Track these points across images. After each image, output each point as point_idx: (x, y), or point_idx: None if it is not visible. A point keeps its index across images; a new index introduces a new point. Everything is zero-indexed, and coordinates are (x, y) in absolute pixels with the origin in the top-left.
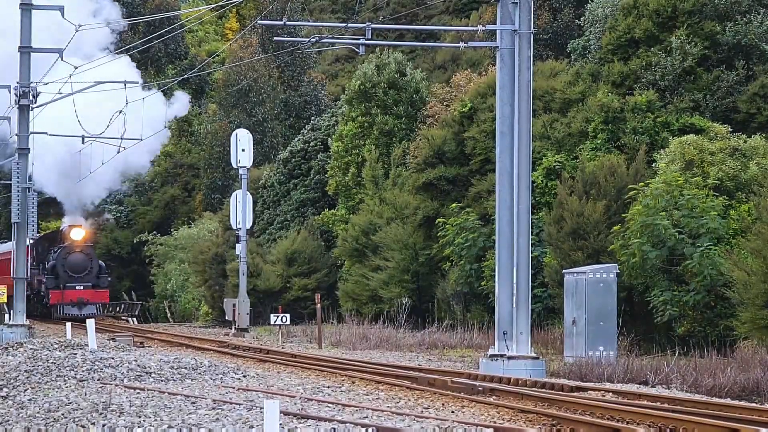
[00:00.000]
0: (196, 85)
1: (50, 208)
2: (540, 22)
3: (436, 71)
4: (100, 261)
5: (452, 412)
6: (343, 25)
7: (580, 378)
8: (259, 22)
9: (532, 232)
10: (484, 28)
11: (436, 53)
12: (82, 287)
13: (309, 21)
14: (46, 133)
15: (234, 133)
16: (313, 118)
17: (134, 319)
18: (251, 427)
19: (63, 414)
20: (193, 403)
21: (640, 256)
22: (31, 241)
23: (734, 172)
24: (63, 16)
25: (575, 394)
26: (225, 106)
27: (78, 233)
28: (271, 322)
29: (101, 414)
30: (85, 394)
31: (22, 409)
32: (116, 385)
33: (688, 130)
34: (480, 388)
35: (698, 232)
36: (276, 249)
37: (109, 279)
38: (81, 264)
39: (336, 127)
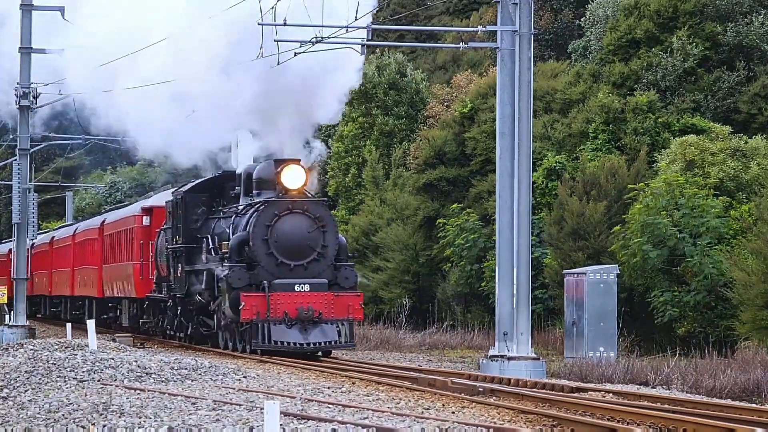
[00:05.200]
0: None
1: (50, 208)
2: (541, 22)
3: (436, 72)
4: (339, 234)
5: (452, 412)
6: (344, 26)
7: (581, 379)
8: (258, 23)
9: (532, 233)
10: (484, 28)
11: (437, 54)
12: (306, 287)
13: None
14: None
15: (234, 133)
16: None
17: None
18: (252, 428)
19: (63, 414)
20: (194, 403)
21: (640, 256)
22: (170, 197)
23: (735, 173)
24: (63, 17)
25: (575, 394)
26: None
27: (296, 175)
28: None
29: (101, 414)
30: (86, 395)
31: (23, 409)
32: (116, 386)
33: (689, 131)
34: (480, 389)
35: (699, 232)
36: None
37: (355, 272)
38: (304, 238)
39: (336, 128)
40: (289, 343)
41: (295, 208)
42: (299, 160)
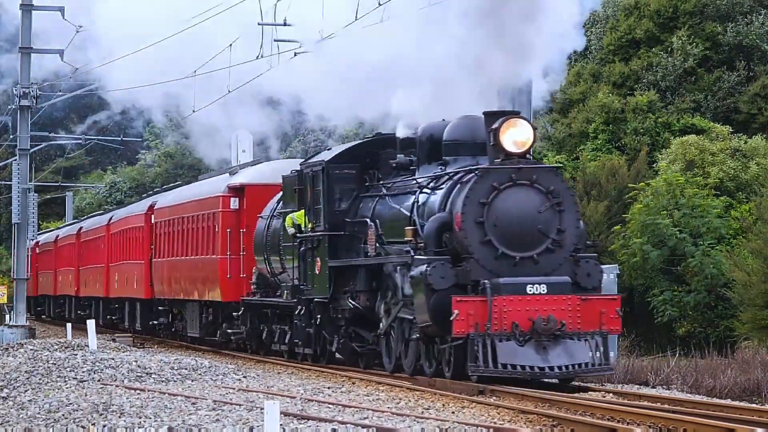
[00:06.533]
0: None
1: (50, 208)
2: None
3: None
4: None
5: (452, 412)
6: (344, 26)
7: (581, 378)
8: (259, 23)
9: None
10: None
11: None
12: (543, 288)
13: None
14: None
15: (234, 133)
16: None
17: None
18: (252, 428)
19: (63, 415)
20: (194, 403)
21: (640, 255)
22: (281, 170)
23: (735, 173)
24: (63, 17)
25: (576, 394)
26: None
27: (523, 132)
28: None
29: (101, 415)
30: (86, 395)
31: (23, 409)
32: (116, 386)
33: (689, 131)
34: (481, 389)
35: (699, 231)
36: None
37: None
38: (533, 221)
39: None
40: (523, 367)
41: (520, 178)
42: (519, 113)
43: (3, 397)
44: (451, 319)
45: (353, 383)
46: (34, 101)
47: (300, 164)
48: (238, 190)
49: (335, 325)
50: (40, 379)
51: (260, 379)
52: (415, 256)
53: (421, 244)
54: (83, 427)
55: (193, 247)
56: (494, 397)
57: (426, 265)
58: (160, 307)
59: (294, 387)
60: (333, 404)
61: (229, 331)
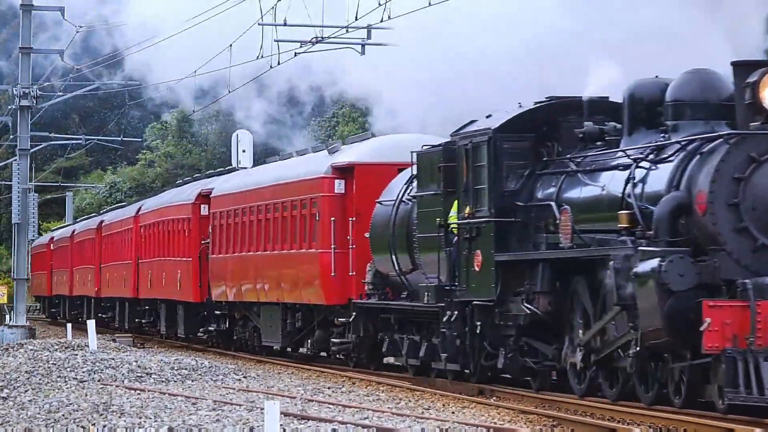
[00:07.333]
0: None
1: (50, 208)
2: None
3: None
4: None
5: (452, 412)
6: (344, 26)
7: None
8: (259, 23)
9: None
10: None
11: None
12: None
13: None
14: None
15: (234, 133)
16: (314, 119)
17: None
18: (252, 428)
19: (63, 415)
20: (194, 404)
21: None
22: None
23: None
24: (63, 17)
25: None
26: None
27: None
28: None
29: (102, 415)
30: (86, 395)
31: (23, 410)
32: (117, 386)
33: None
34: (480, 389)
35: None
36: None
37: None
38: None
39: (337, 128)
40: None
41: None
42: None
43: (3, 397)
44: (702, 329)
45: (353, 383)
46: (34, 101)
47: (451, 135)
48: (344, 171)
49: (501, 335)
50: (40, 380)
51: (260, 380)
52: (641, 248)
53: (647, 233)
54: (83, 427)
55: (277, 240)
56: (494, 398)
57: (659, 260)
58: (217, 312)
59: (294, 387)
60: (333, 404)
61: (335, 340)
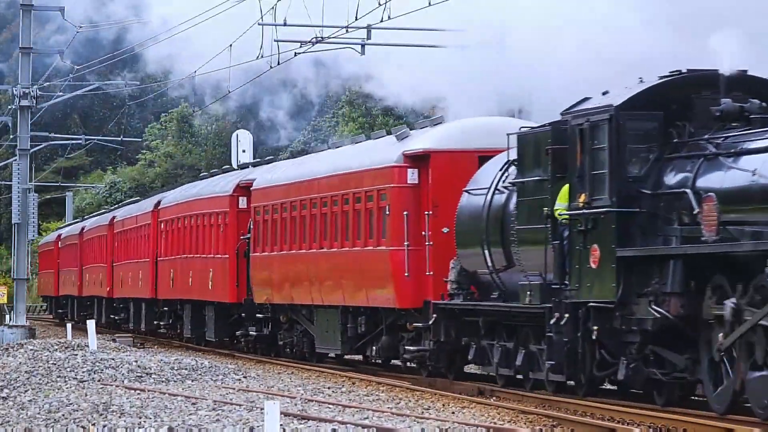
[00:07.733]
0: None
1: (50, 208)
2: None
3: None
4: None
5: (452, 413)
6: (344, 26)
7: None
8: (259, 23)
9: None
10: None
11: None
12: None
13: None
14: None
15: (234, 133)
16: (313, 119)
17: None
18: (252, 428)
19: (63, 415)
20: (194, 404)
21: None
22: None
23: None
24: (63, 17)
25: (576, 395)
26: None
27: None
28: None
29: (101, 415)
30: (86, 395)
31: (23, 410)
32: (117, 386)
33: None
34: (481, 389)
35: None
36: None
37: None
38: None
39: (337, 128)
40: None
41: None
42: None
43: (3, 397)
44: None
45: (353, 383)
46: (34, 101)
47: (561, 114)
48: (418, 159)
49: (622, 341)
50: (40, 380)
51: (260, 380)
52: None
53: None
54: (83, 427)
55: (335, 237)
56: (494, 398)
57: None
58: (258, 314)
59: (294, 387)
60: (333, 404)
61: (410, 348)
